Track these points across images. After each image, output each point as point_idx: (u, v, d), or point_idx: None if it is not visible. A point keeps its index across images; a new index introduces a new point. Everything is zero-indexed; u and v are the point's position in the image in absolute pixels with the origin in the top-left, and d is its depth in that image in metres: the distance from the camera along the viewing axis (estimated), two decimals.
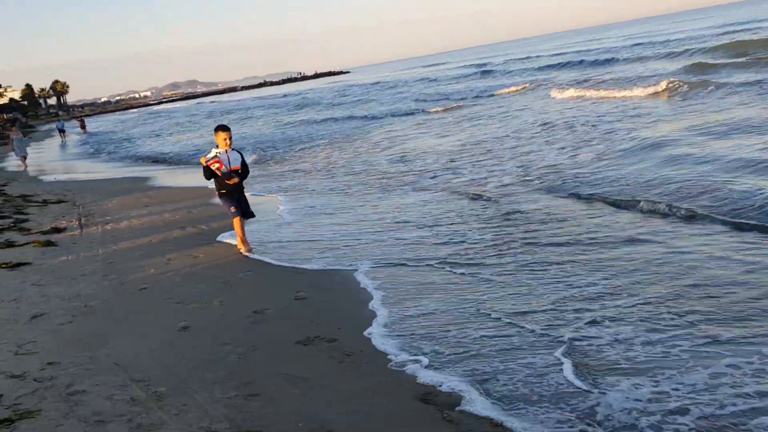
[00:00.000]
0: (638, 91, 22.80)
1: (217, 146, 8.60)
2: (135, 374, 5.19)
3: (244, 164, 8.80)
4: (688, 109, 17.51)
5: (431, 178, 13.24)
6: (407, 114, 30.97)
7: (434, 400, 4.47)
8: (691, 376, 4.40)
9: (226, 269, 8.18)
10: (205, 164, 8.59)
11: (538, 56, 62.65)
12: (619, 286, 6.16)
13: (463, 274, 7.02)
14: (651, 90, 22.23)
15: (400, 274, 7.25)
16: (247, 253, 8.74)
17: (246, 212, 8.97)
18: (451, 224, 9.14)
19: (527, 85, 34.62)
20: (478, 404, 4.36)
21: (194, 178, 16.45)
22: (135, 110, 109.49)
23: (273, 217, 11.19)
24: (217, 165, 8.51)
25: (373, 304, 6.43)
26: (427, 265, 7.46)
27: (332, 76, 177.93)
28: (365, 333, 5.75)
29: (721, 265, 6.32)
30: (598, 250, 7.23)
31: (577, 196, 9.82)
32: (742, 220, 7.42)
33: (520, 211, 9.36)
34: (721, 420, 3.89)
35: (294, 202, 12.38)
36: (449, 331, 5.63)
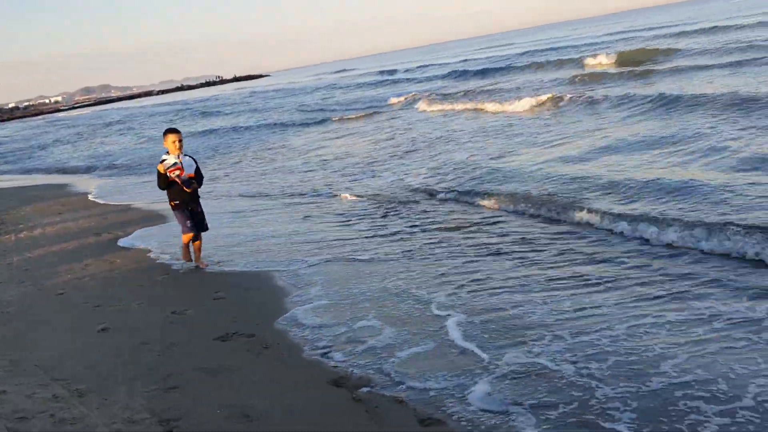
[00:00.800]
0: (512, 105, 21.33)
1: (168, 152, 7.95)
2: (56, 374, 5.33)
3: (198, 170, 8.21)
4: (552, 124, 17.07)
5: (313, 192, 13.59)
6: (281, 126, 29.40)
7: (345, 383, 4.80)
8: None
9: (144, 273, 8.30)
10: (163, 172, 7.90)
11: (444, 63, 62.14)
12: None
13: (369, 263, 7.41)
14: (525, 103, 20.91)
15: (313, 272, 7.57)
16: (201, 265, 8.24)
17: (201, 226, 8.32)
18: (349, 224, 9.54)
19: (414, 94, 32.18)
20: (384, 384, 4.72)
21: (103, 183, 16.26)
22: (41, 117, 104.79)
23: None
24: (177, 172, 7.92)
25: (289, 300, 6.72)
26: (338, 261, 7.81)
27: (252, 80, 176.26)
28: (281, 327, 6.04)
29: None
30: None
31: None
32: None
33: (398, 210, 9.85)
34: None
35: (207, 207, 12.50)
36: (359, 320, 6.00)
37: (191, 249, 8.42)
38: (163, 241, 9.91)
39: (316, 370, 5.07)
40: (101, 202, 14.80)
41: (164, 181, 7.93)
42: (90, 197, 15.79)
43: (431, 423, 4.15)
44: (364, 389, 4.68)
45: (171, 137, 7.91)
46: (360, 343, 5.51)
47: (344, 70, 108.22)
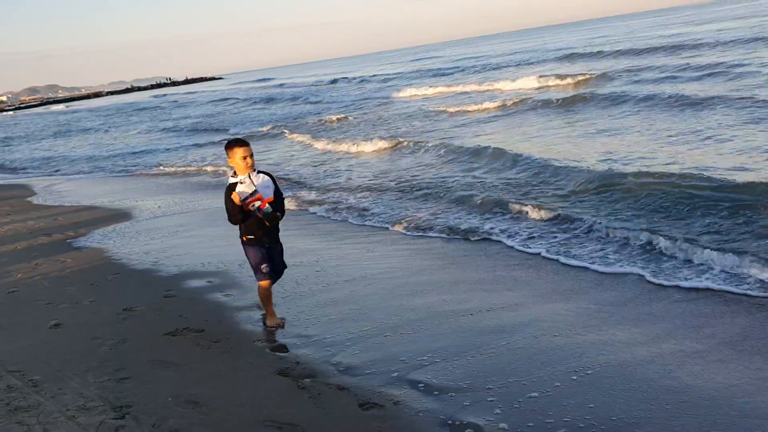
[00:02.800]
0: (358, 147, 18.28)
1: (234, 171, 5.90)
2: (10, 366, 5.51)
3: (278, 193, 6.05)
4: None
5: None
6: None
7: (291, 373, 5.09)
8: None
9: (95, 273, 8.45)
10: (239, 203, 5.74)
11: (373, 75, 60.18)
12: None
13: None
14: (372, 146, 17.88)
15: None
16: (278, 327, 6.12)
17: (280, 268, 6.29)
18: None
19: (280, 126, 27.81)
20: (328, 374, 5.04)
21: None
22: None
23: (132, 227, 11.45)
24: (258, 203, 5.77)
25: (238, 297, 6.99)
26: None
27: (204, 82, 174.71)
28: (231, 323, 6.30)
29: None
30: None
31: None
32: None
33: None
34: None
35: (152, 214, 12.65)
36: (305, 311, 6.34)
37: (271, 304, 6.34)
38: (115, 241, 10.07)
39: (263, 362, 5.35)
40: (49, 203, 14.77)
41: (239, 215, 5.84)
42: (37, 199, 15.73)
43: (371, 406, 4.48)
44: (309, 379, 4.97)
45: (240, 152, 5.78)
46: (307, 336, 5.80)
47: (271, 79, 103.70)
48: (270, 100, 48.36)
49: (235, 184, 5.81)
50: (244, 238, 6.05)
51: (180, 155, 23.07)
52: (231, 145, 5.89)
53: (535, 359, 4.96)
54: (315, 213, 10.99)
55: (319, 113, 31.75)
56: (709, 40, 32.95)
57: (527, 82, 28.13)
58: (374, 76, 57.05)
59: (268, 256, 6.08)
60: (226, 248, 9.00)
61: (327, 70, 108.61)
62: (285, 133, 24.83)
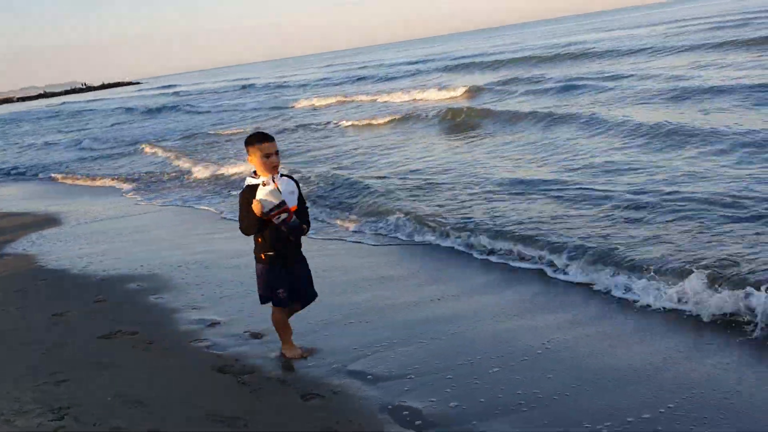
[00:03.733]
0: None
1: (255, 172, 4.96)
2: None
3: (302, 200, 5.12)
4: None
5: None
6: None
7: (231, 370, 5.15)
8: None
9: (20, 279, 8.27)
10: (260, 214, 4.80)
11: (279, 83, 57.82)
12: None
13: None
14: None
15: (191, 272, 7.88)
16: (299, 358, 5.25)
17: (307, 292, 5.28)
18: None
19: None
20: (268, 369, 5.13)
21: None
22: None
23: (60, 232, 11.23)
24: (284, 215, 4.85)
25: (171, 299, 6.99)
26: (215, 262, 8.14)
27: (120, 87, 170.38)
28: (165, 323, 6.30)
29: None
30: None
31: None
32: None
33: None
34: None
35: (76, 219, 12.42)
36: (242, 311, 6.41)
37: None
38: (41, 246, 9.87)
39: (201, 360, 5.39)
40: None
41: (255, 225, 4.92)
42: None
43: (312, 397, 4.60)
44: (248, 375, 5.05)
45: (266, 147, 4.85)
46: (245, 333, 5.87)
47: (176, 85, 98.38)
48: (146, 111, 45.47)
49: (255, 187, 4.86)
50: (263, 256, 5.02)
51: None
52: (253, 140, 4.91)
53: (474, 344, 5.21)
54: None
55: (191, 129, 29.08)
56: (599, 48, 34.05)
57: (405, 96, 27.69)
58: (285, 83, 55.74)
59: (288, 278, 5.10)
60: (155, 252, 8.98)
61: (248, 74, 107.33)
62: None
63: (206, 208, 12.08)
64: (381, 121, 21.40)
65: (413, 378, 4.75)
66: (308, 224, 5.09)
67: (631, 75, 21.90)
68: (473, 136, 16.28)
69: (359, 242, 8.74)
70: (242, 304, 6.59)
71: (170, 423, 4.37)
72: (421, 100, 26.20)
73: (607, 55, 30.52)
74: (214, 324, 6.16)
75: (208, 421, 4.37)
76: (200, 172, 15.78)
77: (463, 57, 48.85)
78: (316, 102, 32.32)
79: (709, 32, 32.53)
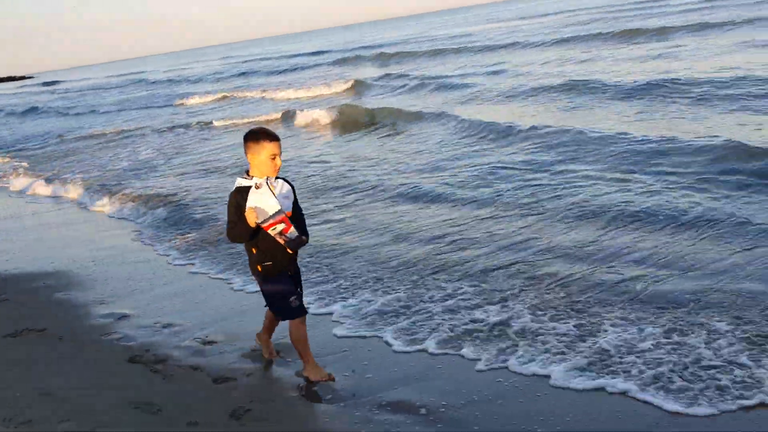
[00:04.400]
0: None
1: (247, 172, 4.48)
2: None
3: (298, 207, 4.62)
4: None
5: None
6: None
7: (142, 359, 5.30)
8: None
9: None
10: (254, 224, 4.29)
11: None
12: None
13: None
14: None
15: (97, 269, 7.91)
16: (327, 381, 4.69)
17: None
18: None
19: None
20: (179, 358, 5.29)
21: None
22: None
23: None
24: (281, 227, 4.32)
25: (76, 295, 7.02)
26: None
27: (11, 82, 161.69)
28: (73, 319, 6.34)
29: None
30: None
31: None
32: None
33: None
34: None
35: None
36: (150, 305, 6.54)
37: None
38: None
39: (113, 352, 5.51)
40: None
41: (247, 234, 4.41)
42: None
43: (224, 380, 4.82)
44: (160, 364, 5.21)
45: (270, 148, 4.36)
46: (155, 324, 6.02)
47: (55, 83, 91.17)
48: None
49: (246, 189, 4.38)
50: (259, 268, 4.52)
51: None
52: (258, 136, 4.39)
53: None
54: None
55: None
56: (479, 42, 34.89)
57: (295, 93, 27.01)
58: (178, 77, 53.80)
59: (294, 283, 4.62)
60: (58, 250, 8.89)
61: (144, 67, 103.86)
62: None
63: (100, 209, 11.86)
64: (262, 118, 20.75)
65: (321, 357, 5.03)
66: (307, 234, 4.52)
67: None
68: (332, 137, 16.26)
69: None
70: (151, 297, 6.72)
71: (85, 413, 4.47)
72: (307, 97, 25.68)
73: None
74: (124, 317, 6.27)
75: (123, 408, 4.51)
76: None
77: (362, 48, 49.21)
78: (201, 99, 30.90)
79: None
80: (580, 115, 13.31)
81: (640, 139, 10.14)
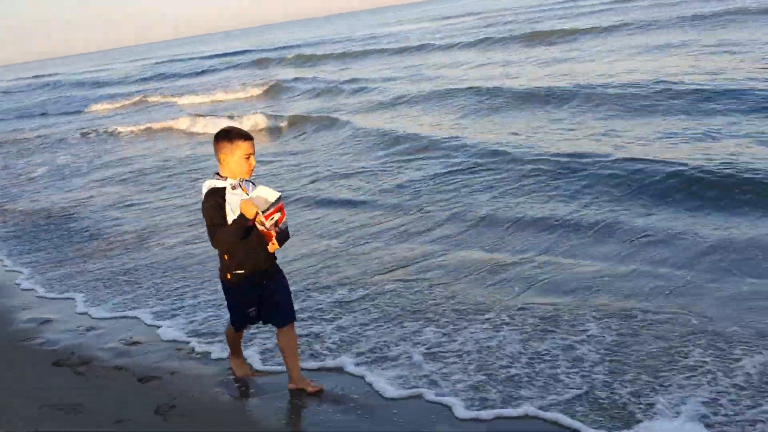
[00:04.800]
0: None
1: (218, 173, 4.23)
2: None
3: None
4: None
5: None
6: None
7: (67, 362, 5.36)
8: None
9: None
10: (253, 215, 4.02)
11: None
12: None
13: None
14: None
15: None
16: (308, 388, 4.53)
17: (280, 311, 4.44)
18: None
19: None
20: (104, 359, 5.39)
21: None
22: None
23: None
24: (276, 216, 4.09)
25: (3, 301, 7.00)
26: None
27: None
28: None
29: None
30: None
31: None
32: None
33: None
34: None
35: None
36: (75, 307, 6.62)
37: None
38: None
39: (37, 356, 5.55)
40: None
41: (242, 233, 4.13)
42: None
43: (149, 379, 4.96)
44: (84, 365, 5.28)
45: (244, 147, 4.17)
46: (79, 327, 6.10)
47: None
48: None
49: (222, 190, 4.14)
50: (228, 276, 4.30)
51: None
52: (234, 135, 4.18)
53: None
54: None
55: None
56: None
57: (212, 96, 26.68)
58: (91, 79, 51.84)
59: (261, 296, 4.38)
60: None
61: (58, 68, 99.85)
62: None
63: None
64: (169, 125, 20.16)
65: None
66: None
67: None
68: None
69: None
70: (74, 301, 6.75)
71: (8, 418, 4.53)
72: (220, 101, 25.50)
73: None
74: (46, 322, 6.30)
75: (48, 411, 4.58)
76: None
77: (281, 48, 48.90)
78: (109, 105, 29.95)
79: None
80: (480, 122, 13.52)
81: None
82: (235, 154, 4.14)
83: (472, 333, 5.11)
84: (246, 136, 4.18)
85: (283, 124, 16.88)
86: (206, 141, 15.78)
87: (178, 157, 14.82)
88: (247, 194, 4.11)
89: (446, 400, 4.29)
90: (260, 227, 4.06)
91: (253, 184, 4.26)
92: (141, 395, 4.74)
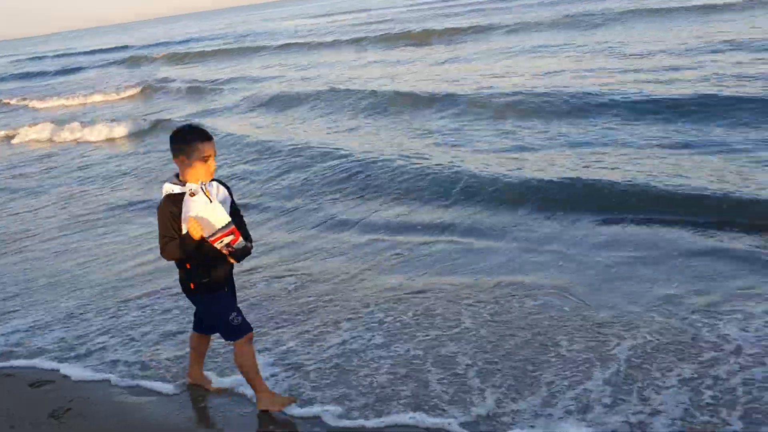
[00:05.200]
0: None
1: (177, 177, 3.91)
2: None
3: (236, 211, 4.11)
4: None
5: None
6: None
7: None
8: None
9: None
10: (198, 238, 3.77)
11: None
12: None
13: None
14: None
15: None
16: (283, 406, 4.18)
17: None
18: None
19: None
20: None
21: None
22: None
23: None
24: (230, 238, 3.87)
25: None
26: None
27: None
28: None
29: None
30: None
31: None
32: None
33: None
34: None
35: None
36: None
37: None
38: None
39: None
40: None
41: (188, 249, 3.84)
42: None
43: (42, 384, 4.86)
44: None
45: (207, 147, 3.85)
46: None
47: None
48: None
49: (179, 196, 3.84)
50: (192, 285, 4.02)
51: None
52: (192, 136, 3.85)
53: None
54: None
55: None
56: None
57: (84, 99, 24.86)
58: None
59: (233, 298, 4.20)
60: None
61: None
62: None
63: None
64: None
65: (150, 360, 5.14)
66: (250, 239, 4.08)
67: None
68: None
69: None
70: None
71: None
72: (88, 103, 23.94)
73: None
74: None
75: None
76: None
77: (156, 45, 47.19)
78: None
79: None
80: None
81: None
82: (191, 156, 3.80)
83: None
84: (204, 137, 3.83)
85: (146, 129, 16.20)
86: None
87: None
88: (210, 198, 3.82)
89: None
90: (218, 246, 3.85)
91: (222, 184, 4.05)
92: (34, 400, 4.66)
